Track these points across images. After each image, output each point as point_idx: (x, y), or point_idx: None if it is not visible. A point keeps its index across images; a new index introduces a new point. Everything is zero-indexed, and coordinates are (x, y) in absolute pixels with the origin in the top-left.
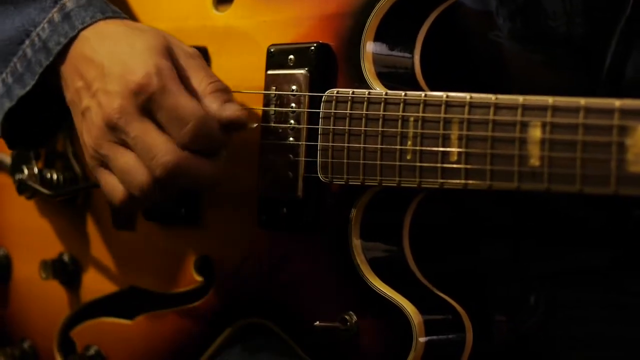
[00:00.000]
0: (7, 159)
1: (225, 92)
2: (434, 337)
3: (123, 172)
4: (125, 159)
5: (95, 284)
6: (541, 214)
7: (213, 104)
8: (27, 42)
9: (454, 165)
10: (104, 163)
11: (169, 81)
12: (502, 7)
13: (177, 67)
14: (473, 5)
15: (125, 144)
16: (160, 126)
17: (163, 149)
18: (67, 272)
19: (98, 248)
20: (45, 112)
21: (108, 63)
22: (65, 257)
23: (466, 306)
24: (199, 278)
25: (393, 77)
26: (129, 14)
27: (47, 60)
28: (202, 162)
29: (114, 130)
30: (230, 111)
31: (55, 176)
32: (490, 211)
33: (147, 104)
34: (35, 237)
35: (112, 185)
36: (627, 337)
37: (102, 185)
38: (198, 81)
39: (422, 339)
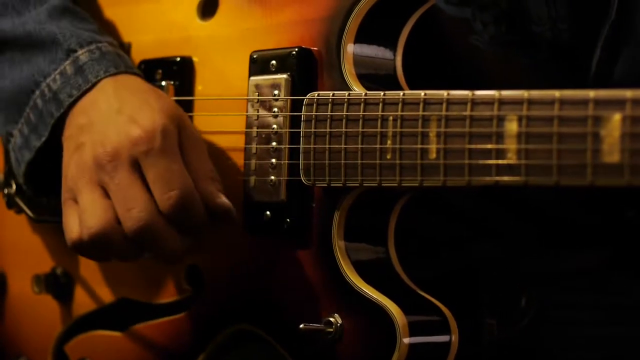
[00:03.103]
0: (0, 175)
1: (221, 185)
2: (419, 338)
3: (83, 210)
4: (94, 197)
5: (87, 298)
6: (532, 215)
7: (210, 187)
8: (37, 92)
9: (433, 162)
10: (75, 198)
11: (170, 144)
12: (484, 12)
13: (182, 141)
14: (449, 11)
15: (104, 188)
16: (146, 184)
17: (142, 205)
18: (59, 286)
19: (89, 262)
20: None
21: (116, 109)
22: (58, 272)
23: (455, 308)
24: (188, 287)
25: (374, 78)
26: (115, 27)
27: (58, 111)
28: (174, 236)
29: (100, 171)
30: (224, 200)
31: None
32: (479, 212)
33: (141, 157)
34: (28, 252)
35: (70, 224)
36: (618, 338)
37: (63, 220)
38: (201, 163)
39: (406, 340)
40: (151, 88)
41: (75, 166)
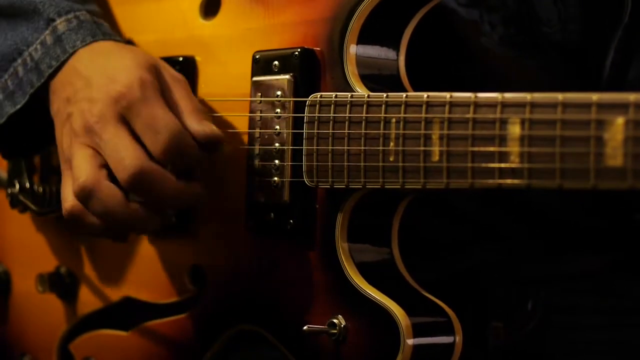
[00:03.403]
0: (4, 173)
1: (204, 113)
2: (423, 340)
3: (73, 171)
4: (84, 155)
5: (92, 297)
6: (536, 218)
7: (193, 122)
8: (19, 60)
9: (436, 165)
10: (70, 165)
11: (149, 93)
12: (492, 13)
13: (162, 85)
14: (462, 12)
15: (96, 149)
16: (135, 136)
17: (132, 154)
18: (63, 285)
19: (93, 261)
20: (37, 123)
21: (96, 74)
22: (62, 271)
23: (461, 310)
24: (191, 287)
25: (377, 79)
26: (117, 26)
27: (39, 81)
28: (169, 177)
29: (90, 134)
30: (208, 128)
31: (47, 190)
32: (482, 215)
33: (125, 112)
34: (32, 251)
35: (65, 191)
36: (623, 342)
37: (61, 191)
38: (179, 100)
39: (409, 341)
40: (124, 46)
41: (67, 137)
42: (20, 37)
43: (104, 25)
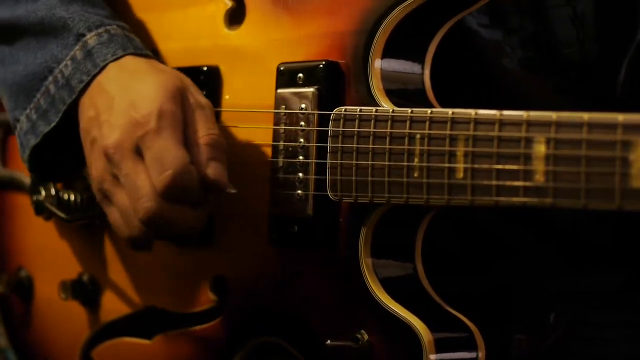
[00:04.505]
0: (27, 179)
1: (218, 149)
2: (445, 355)
3: (122, 213)
4: (123, 200)
5: (114, 304)
6: (560, 235)
7: (201, 156)
8: (50, 78)
9: (461, 182)
10: (108, 197)
11: (166, 125)
12: (511, 35)
13: (186, 110)
14: (484, 33)
15: (119, 178)
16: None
17: (148, 192)
18: (86, 292)
19: (116, 268)
20: (71, 143)
21: (119, 97)
22: (85, 278)
23: (483, 325)
24: (214, 297)
25: (402, 93)
26: (143, 33)
27: (70, 97)
28: (184, 211)
29: (111, 165)
30: (212, 170)
31: (72, 197)
32: (504, 230)
33: (139, 142)
34: (55, 257)
35: (117, 223)
36: None
37: (109, 220)
38: (198, 130)
39: (432, 357)
40: (154, 66)
41: (94, 166)
42: (50, 54)
43: (136, 40)
